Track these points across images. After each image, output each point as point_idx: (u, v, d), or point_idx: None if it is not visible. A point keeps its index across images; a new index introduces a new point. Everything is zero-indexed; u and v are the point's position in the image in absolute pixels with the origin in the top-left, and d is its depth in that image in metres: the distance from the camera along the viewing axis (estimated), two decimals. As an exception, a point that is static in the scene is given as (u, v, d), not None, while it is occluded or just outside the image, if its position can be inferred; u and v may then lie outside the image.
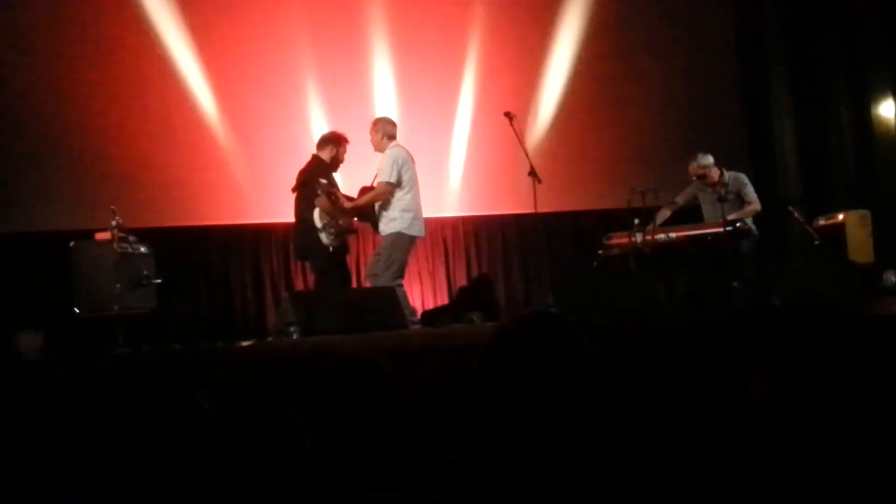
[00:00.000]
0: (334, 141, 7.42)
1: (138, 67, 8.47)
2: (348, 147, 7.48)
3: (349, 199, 7.32)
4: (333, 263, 7.29)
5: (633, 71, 9.77)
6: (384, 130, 7.32)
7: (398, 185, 7.15)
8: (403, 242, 7.19)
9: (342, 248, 7.36)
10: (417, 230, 7.29)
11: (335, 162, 7.41)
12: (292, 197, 7.37)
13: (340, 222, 7.18)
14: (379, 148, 7.32)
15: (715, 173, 8.03)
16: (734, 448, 1.92)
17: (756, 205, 8.02)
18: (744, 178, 8.12)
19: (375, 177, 7.26)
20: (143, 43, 8.48)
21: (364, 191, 7.35)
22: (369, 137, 7.40)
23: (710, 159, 8.06)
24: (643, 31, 9.84)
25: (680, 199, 8.30)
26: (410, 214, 7.20)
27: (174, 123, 8.53)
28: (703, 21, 10.04)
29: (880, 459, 1.78)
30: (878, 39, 9.50)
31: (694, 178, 8.10)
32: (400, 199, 7.18)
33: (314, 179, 7.14)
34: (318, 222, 7.12)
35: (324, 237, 7.13)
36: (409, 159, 7.28)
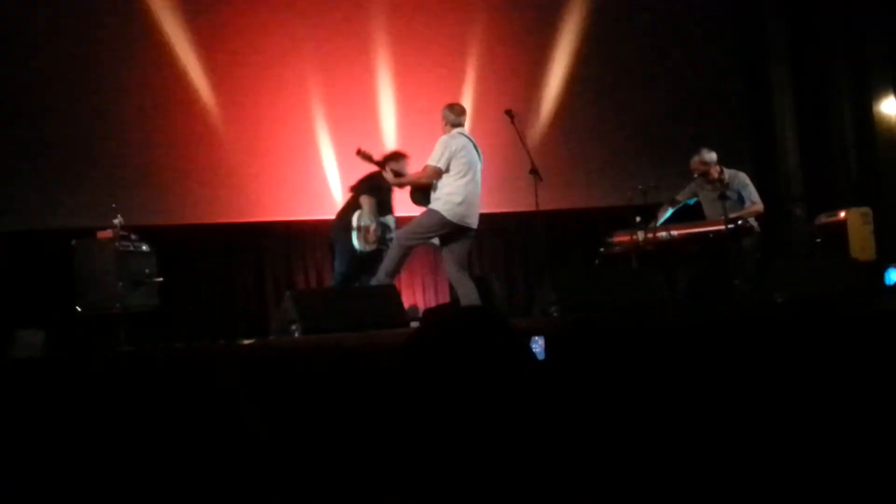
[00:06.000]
0: (394, 157, 7.65)
1: (141, 66, 8.47)
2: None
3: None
4: (355, 261, 7.51)
5: (635, 69, 9.77)
6: (447, 118, 7.32)
7: (446, 170, 7.16)
8: (433, 219, 7.15)
9: (372, 254, 7.54)
10: (458, 218, 7.18)
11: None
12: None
13: (373, 232, 7.49)
14: (444, 133, 7.35)
15: (716, 171, 8.02)
16: (734, 443, 1.92)
17: (759, 205, 7.99)
18: (745, 177, 8.09)
19: None
20: (146, 41, 8.48)
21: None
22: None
23: (713, 156, 8.03)
24: (645, 29, 9.83)
25: (680, 197, 8.27)
26: (455, 199, 7.15)
27: (176, 122, 8.53)
28: (704, 19, 10.03)
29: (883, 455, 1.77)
30: (880, 36, 9.50)
31: (695, 174, 8.07)
32: (447, 183, 7.15)
33: (370, 184, 7.49)
34: (353, 222, 7.43)
35: (354, 238, 7.41)
36: (464, 148, 7.23)
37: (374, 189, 7.57)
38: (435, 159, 7.15)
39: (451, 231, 7.17)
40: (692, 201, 8.24)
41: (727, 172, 8.06)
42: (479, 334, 1.61)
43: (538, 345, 4.36)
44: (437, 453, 1.55)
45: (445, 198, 7.15)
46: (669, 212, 8.18)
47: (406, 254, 7.29)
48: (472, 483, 1.52)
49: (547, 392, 2.55)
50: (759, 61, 10.20)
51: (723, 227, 7.59)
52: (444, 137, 7.22)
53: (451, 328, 1.64)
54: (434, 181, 7.14)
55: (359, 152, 7.35)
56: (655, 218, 7.98)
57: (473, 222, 7.32)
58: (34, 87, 8.21)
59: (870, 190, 9.46)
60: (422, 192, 7.37)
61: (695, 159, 8.04)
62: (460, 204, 7.17)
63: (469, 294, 7.18)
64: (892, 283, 7.97)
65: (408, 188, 7.41)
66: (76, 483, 1.78)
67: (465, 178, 7.20)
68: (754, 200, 7.99)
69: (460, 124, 7.32)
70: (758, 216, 8.00)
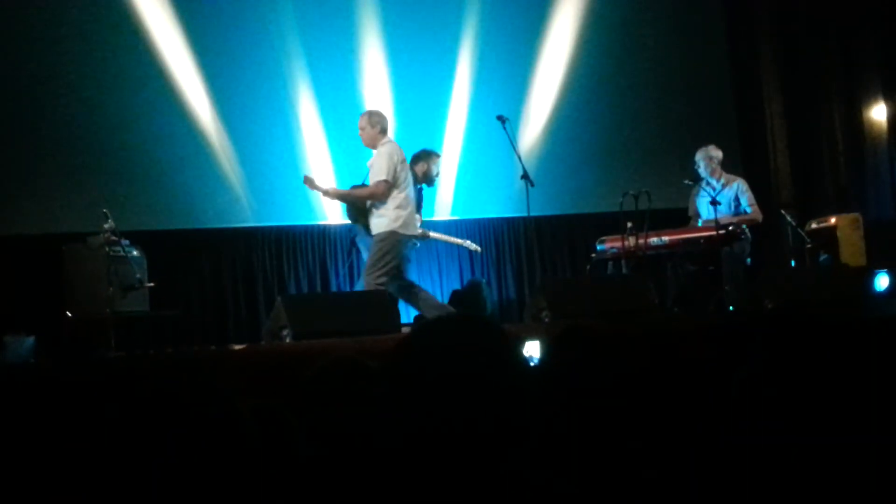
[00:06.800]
0: (424, 157, 7.62)
1: (130, 70, 8.45)
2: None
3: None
4: None
5: (626, 75, 9.77)
6: (380, 124, 7.15)
7: (394, 183, 7.04)
8: (396, 242, 7.00)
9: None
10: (412, 229, 7.14)
11: (426, 176, 7.60)
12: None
13: None
14: (372, 143, 7.13)
15: (718, 171, 8.09)
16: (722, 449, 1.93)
17: (757, 214, 8.05)
18: (744, 184, 8.14)
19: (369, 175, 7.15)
20: (136, 45, 8.46)
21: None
22: (359, 130, 7.22)
23: (720, 154, 8.12)
24: (636, 35, 9.84)
25: (691, 211, 8.30)
26: (404, 212, 7.03)
27: (167, 126, 8.51)
28: (695, 26, 10.05)
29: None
30: (870, 43, 9.52)
31: (698, 165, 8.08)
32: (394, 197, 7.02)
33: None
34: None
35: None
36: (403, 155, 7.20)
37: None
38: (384, 172, 6.95)
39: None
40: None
41: (725, 177, 8.12)
42: (471, 340, 1.61)
43: (532, 350, 4.37)
44: (429, 458, 1.55)
45: (394, 213, 6.99)
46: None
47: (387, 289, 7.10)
48: (462, 488, 1.52)
49: (540, 398, 2.55)
50: (749, 67, 10.23)
51: (714, 232, 7.60)
52: (384, 148, 7.04)
53: (444, 333, 1.63)
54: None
55: (305, 180, 7.36)
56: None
57: (417, 230, 7.31)
58: (24, 92, 8.19)
59: (860, 195, 9.49)
60: (358, 210, 7.24)
61: (702, 152, 8.08)
62: (410, 214, 7.10)
63: (429, 300, 7.11)
64: (879, 289, 7.99)
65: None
66: (64, 488, 1.78)
67: (408, 189, 7.12)
68: (753, 209, 8.04)
69: (386, 129, 7.21)
70: (751, 222, 8.03)
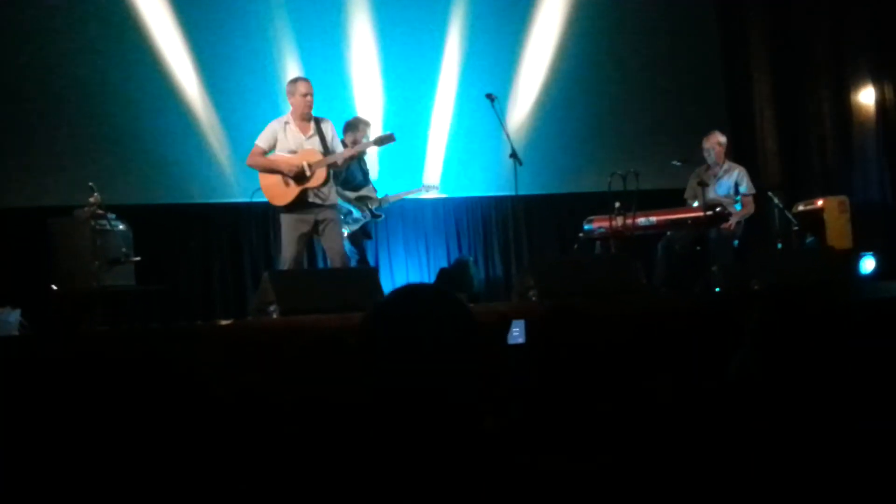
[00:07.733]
0: (353, 125, 7.59)
1: (118, 44, 8.40)
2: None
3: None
4: (352, 240, 7.58)
5: (616, 55, 9.77)
6: None
7: None
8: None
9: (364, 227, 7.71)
10: None
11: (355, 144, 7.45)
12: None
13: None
14: (308, 115, 6.97)
15: (722, 156, 8.16)
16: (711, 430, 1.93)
17: (751, 206, 8.14)
18: (744, 172, 8.22)
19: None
20: (124, 21, 8.42)
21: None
22: (309, 96, 7.01)
23: (724, 139, 8.16)
24: (626, 15, 9.84)
25: (688, 193, 8.34)
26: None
27: (154, 101, 8.47)
28: (685, 7, 10.05)
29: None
30: (858, 26, 9.53)
31: (706, 151, 8.14)
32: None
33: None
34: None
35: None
36: None
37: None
38: (339, 143, 6.98)
39: None
40: None
41: (728, 163, 8.20)
42: (430, 314, 1.61)
43: (518, 330, 4.37)
44: (398, 418, 1.55)
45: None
46: None
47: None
48: (436, 452, 1.52)
49: (526, 376, 2.56)
50: (739, 49, 10.23)
51: (701, 213, 7.63)
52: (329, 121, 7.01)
53: (401, 308, 1.64)
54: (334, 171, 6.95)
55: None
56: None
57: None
58: (11, 67, 8.13)
59: (847, 178, 9.52)
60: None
61: (709, 138, 8.15)
62: None
63: None
64: (865, 272, 8.03)
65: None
66: (48, 461, 1.77)
67: None
68: (749, 199, 8.11)
69: None
70: (744, 217, 8.11)
